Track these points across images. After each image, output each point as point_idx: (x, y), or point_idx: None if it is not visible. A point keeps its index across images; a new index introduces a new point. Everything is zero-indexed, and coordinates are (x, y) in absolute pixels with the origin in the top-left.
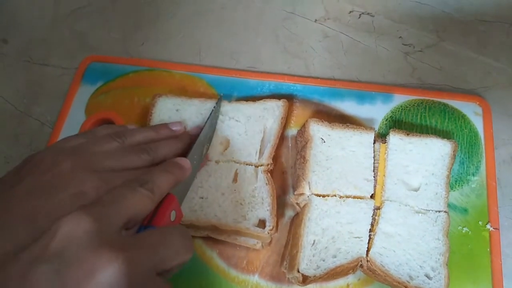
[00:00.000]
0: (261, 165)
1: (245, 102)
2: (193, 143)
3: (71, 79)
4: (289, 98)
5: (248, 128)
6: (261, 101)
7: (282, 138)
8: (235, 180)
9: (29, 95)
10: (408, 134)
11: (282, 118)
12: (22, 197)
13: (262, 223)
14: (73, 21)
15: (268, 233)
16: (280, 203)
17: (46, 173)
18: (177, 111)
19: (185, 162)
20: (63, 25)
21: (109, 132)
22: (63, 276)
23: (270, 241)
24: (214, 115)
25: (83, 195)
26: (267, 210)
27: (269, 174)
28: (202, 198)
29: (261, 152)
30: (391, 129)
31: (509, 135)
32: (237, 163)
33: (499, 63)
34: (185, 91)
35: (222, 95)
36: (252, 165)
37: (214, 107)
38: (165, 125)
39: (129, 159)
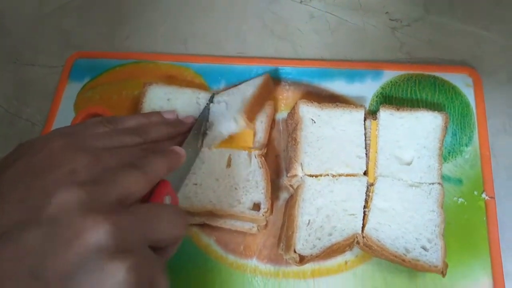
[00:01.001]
0: (254, 149)
1: (234, 87)
2: (187, 135)
3: (59, 77)
4: (278, 81)
5: (230, 101)
6: (246, 82)
7: (273, 122)
8: (228, 165)
9: (18, 96)
10: (398, 109)
11: (262, 85)
12: (14, 179)
13: (257, 207)
14: (57, 19)
15: (263, 215)
16: (274, 186)
17: (36, 154)
18: (168, 100)
19: (180, 149)
20: (47, 24)
21: (99, 120)
22: (53, 238)
23: (266, 224)
24: (206, 111)
25: (75, 173)
26: (262, 193)
27: (263, 158)
28: (196, 184)
29: (237, 115)
30: (381, 105)
31: (502, 104)
32: (221, 137)
33: (488, 33)
34: (173, 81)
35: (214, 93)
36: (245, 149)
37: (207, 103)
38: (157, 113)
39: (119, 140)
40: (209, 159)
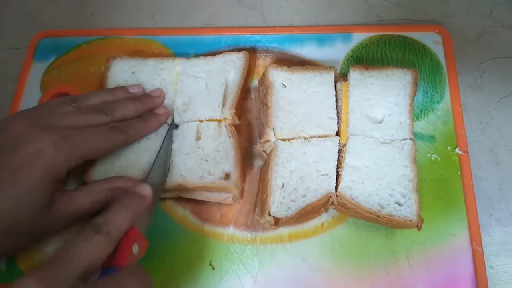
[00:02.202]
0: (225, 119)
1: (203, 57)
2: (152, 164)
3: (24, 58)
4: (249, 50)
5: (209, 82)
6: (221, 55)
7: (245, 90)
8: (198, 138)
9: None
10: (368, 68)
11: (243, 69)
12: None
13: (228, 176)
14: (19, 0)
15: (234, 183)
16: (248, 154)
17: (1, 135)
18: (133, 74)
19: (145, 189)
20: (10, 6)
21: (63, 99)
22: None
23: (242, 194)
24: (169, 139)
25: (41, 152)
26: (232, 162)
27: (232, 127)
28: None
29: (224, 105)
30: (351, 65)
31: (472, 60)
32: (201, 121)
33: None
34: (141, 55)
35: (174, 122)
36: (215, 121)
37: (168, 131)
38: (122, 87)
39: (86, 119)
40: (177, 137)
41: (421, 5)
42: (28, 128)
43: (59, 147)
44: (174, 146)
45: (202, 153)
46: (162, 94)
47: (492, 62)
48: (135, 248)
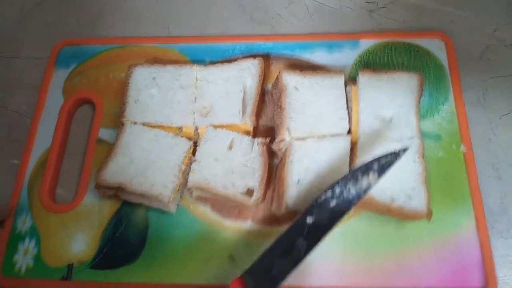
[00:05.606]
0: (258, 137)
1: (220, 64)
2: None
3: (45, 68)
4: (262, 56)
5: (228, 89)
6: (236, 62)
7: (262, 95)
8: (230, 147)
9: (3, 89)
10: (376, 72)
11: (259, 75)
12: None
13: (250, 192)
14: (40, 12)
15: (254, 202)
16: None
17: None
18: (154, 79)
19: None
20: (31, 18)
21: None
22: None
23: (264, 196)
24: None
25: None
26: (257, 181)
27: (265, 147)
28: (196, 160)
29: (243, 111)
30: (360, 70)
31: (476, 78)
32: (224, 126)
33: (461, 11)
34: (158, 63)
35: None
36: (249, 136)
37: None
38: None
39: None
40: (212, 138)
41: (427, 24)
42: None
43: None
44: (205, 146)
45: (230, 164)
46: None
47: (495, 80)
48: None
